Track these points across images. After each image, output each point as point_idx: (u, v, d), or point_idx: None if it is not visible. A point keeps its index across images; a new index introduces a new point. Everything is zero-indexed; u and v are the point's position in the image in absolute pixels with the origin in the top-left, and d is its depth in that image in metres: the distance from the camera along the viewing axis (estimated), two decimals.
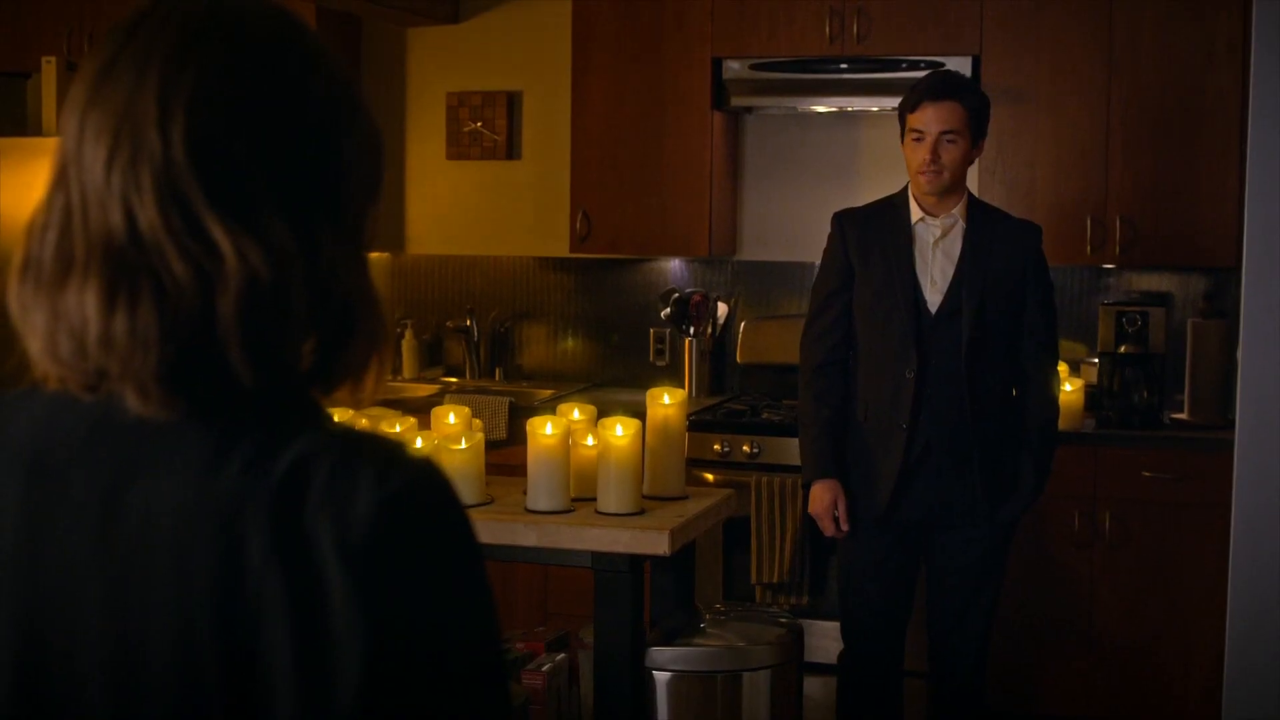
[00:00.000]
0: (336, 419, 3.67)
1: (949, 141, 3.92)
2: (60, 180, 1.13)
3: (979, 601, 4.08)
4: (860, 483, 4.06)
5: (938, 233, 4.00)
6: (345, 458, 1.07)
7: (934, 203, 4.00)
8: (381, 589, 1.04)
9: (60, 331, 1.10)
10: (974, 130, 3.97)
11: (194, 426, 1.10)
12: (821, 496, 4.10)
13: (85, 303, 1.08)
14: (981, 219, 4.04)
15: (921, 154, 3.93)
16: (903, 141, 4.02)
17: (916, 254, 4.00)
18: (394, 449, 1.10)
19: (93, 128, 1.11)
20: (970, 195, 4.07)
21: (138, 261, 1.08)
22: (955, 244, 4.00)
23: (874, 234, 4.05)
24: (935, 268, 4.00)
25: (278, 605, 1.04)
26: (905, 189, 4.07)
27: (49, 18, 5.90)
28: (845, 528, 4.08)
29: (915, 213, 4.02)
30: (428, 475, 1.10)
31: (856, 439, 4.08)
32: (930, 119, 3.92)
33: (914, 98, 3.97)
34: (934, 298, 3.98)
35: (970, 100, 3.96)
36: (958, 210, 4.01)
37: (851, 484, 4.08)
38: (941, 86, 3.96)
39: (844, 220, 4.13)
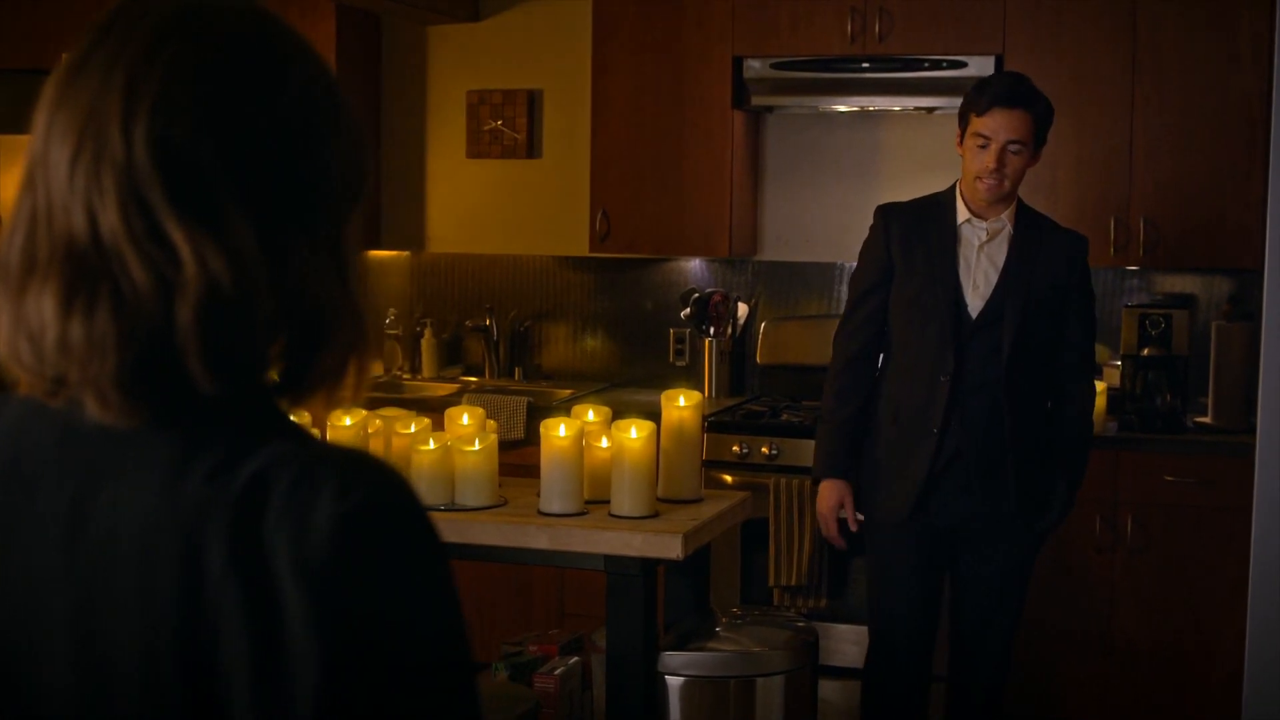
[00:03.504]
0: (347, 419, 3.61)
1: (1014, 152, 3.79)
2: (29, 181, 1.10)
3: (1004, 610, 4.01)
4: (885, 484, 3.97)
5: (984, 236, 3.89)
6: (307, 470, 1.05)
7: (985, 206, 3.88)
8: (338, 606, 1.02)
9: (20, 335, 1.08)
10: (1037, 140, 3.84)
11: (158, 434, 1.07)
12: (828, 496, 4.02)
13: (43, 307, 1.06)
14: (1029, 226, 3.92)
15: (985, 161, 3.79)
16: (960, 142, 3.88)
17: (960, 256, 3.90)
18: (357, 461, 1.07)
19: (59, 128, 1.09)
20: (1019, 201, 3.95)
21: (98, 265, 1.06)
22: (1001, 249, 3.89)
23: (919, 231, 3.93)
24: (979, 272, 3.88)
25: (235, 618, 1.02)
26: (953, 188, 3.96)
27: (68, 15, 5.90)
28: (854, 529, 4.01)
29: (962, 213, 3.90)
30: (390, 489, 1.07)
31: (884, 439, 3.99)
32: (999, 126, 3.77)
33: (984, 101, 3.79)
34: (975, 303, 3.87)
35: (1039, 109, 3.81)
36: (1006, 215, 3.89)
37: (876, 485, 3.99)
38: (1014, 94, 3.79)
39: (889, 214, 4.00)
